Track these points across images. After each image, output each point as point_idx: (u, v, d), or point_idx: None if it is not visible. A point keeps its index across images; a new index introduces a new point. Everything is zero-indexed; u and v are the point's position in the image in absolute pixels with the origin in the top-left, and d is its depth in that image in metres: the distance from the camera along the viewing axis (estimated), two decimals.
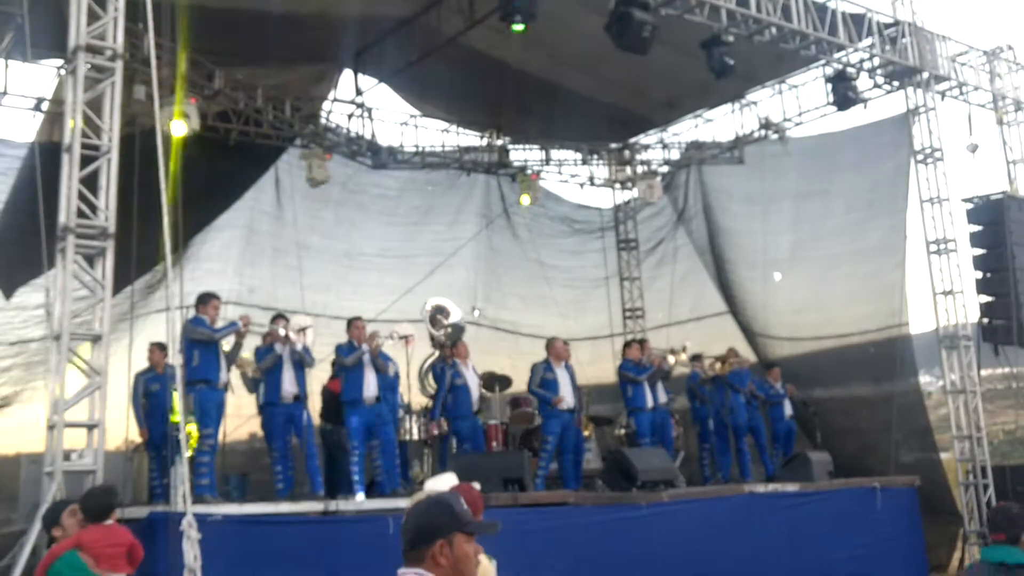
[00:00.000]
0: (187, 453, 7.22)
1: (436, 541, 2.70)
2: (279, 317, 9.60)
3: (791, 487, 11.10)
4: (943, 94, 13.33)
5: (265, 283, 13.37)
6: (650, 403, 11.66)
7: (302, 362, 9.24)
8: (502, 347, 15.02)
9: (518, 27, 9.91)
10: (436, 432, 10.81)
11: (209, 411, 8.44)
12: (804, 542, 10.58)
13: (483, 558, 4.72)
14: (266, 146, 13.27)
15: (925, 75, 12.90)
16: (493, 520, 2.87)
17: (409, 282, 14.57)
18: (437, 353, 11.58)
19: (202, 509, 7.16)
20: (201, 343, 8.53)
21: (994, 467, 12.15)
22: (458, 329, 11.92)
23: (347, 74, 13.82)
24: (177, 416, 8.79)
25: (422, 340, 11.56)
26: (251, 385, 10.27)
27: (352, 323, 9.84)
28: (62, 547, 5.72)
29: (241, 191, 13.37)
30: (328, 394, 10.62)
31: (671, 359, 12.11)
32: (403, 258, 14.98)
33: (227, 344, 8.79)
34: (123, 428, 9.11)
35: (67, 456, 7.11)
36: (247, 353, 9.55)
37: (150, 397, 9.58)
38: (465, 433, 10.68)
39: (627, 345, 12.40)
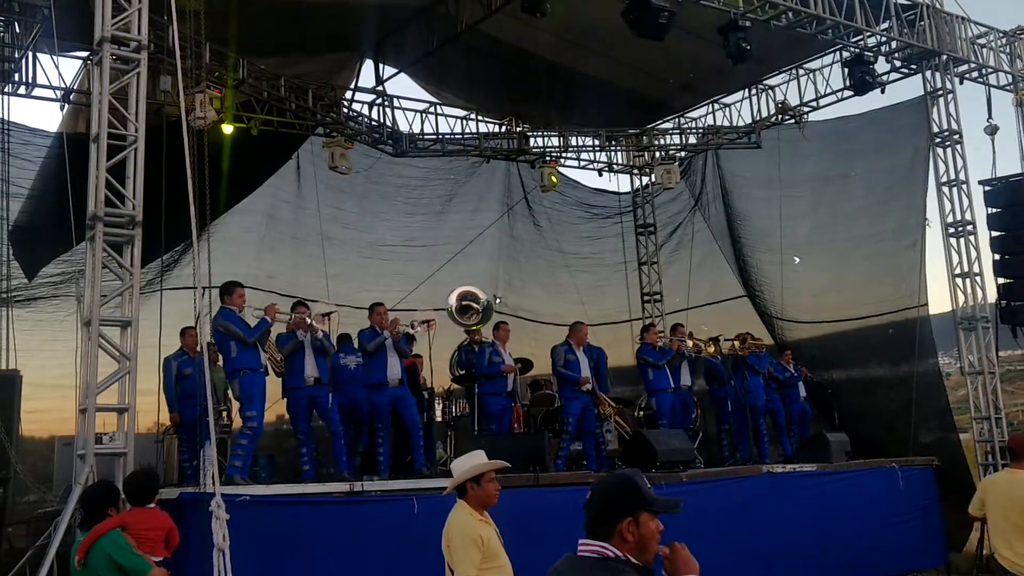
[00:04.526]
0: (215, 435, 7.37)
1: (624, 518, 2.78)
2: (300, 304, 9.72)
3: (809, 467, 11.19)
4: (962, 76, 13.31)
5: (285, 270, 13.51)
6: (671, 385, 11.75)
7: (323, 348, 9.36)
8: (523, 334, 15.11)
9: None
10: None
11: (254, 396, 8.54)
12: (822, 522, 10.67)
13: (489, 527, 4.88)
14: (288, 135, 13.41)
15: (943, 58, 12.90)
16: (676, 498, 2.97)
17: (429, 268, 14.71)
18: (466, 338, 11.71)
19: (231, 490, 7.32)
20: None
21: None
22: (490, 307, 12.01)
23: (368, 64, 13.96)
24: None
25: (444, 327, 11.67)
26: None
27: (374, 309, 9.97)
28: (105, 526, 5.86)
29: (262, 178, 13.51)
30: None
31: (689, 343, 12.18)
32: (426, 247, 15.10)
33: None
34: (152, 410, 9.28)
35: (99, 439, 7.29)
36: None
37: (183, 381, 9.73)
38: (497, 413, 10.84)
39: (645, 329, 12.48)
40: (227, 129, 12.11)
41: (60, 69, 11.18)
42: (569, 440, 10.79)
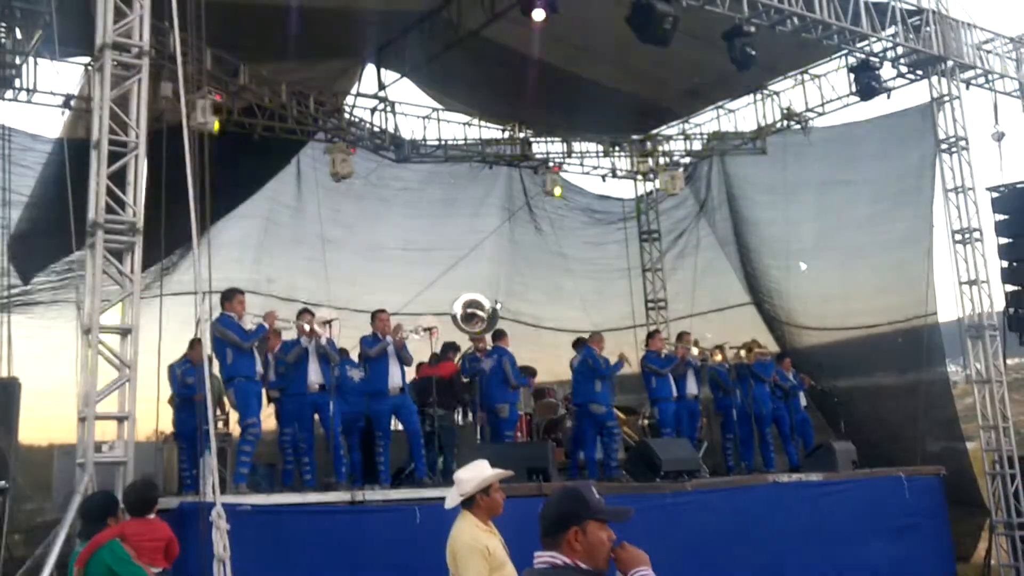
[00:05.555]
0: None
1: (571, 528, 2.87)
2: (304, 312, 9.68)
3: (815, 477, 11.10)
4: (968, 82, 13.23)
5: (284, 274, 13.46)
6: (674, 393, 11.67)
7: (327, 356, 9.32)
8: (524, 340, 14.99)
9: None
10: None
11: (250, 402, 8.59)
12: (828, 531, 10.59)
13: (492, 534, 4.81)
14: (288, 140, 13.36)
15: (949, 63, 12.82)
16: (626, 507, 3.03)
17: (432, 275, 14.64)
18: (470, 346, 11.62)
19: (231, 499, 7.25)
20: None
21: (1021, 457, 12.07)
22: (495, 315, 11.91)
23: (370, 69, 13.90)
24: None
25: (446, 332, 11.58)
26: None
27: (376, 315, 9.92)
28: (105, 536, 5.80)
29: (262, 183, 13.47)
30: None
31: (695, 351, 12.10)
32: (426, 251, 15.02)
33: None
34: (152, 418, 9.19)
35: (98, 448, 7.22)
36: None
37: (185, 389, 9.66)
38: (514, 422, 10.79)
39: (650, 336, 12.41)
40: (228, 134, 12.04)
41: (61, 75, 11.17)
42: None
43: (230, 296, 8.84)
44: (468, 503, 4.80)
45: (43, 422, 10.11)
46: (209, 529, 6.63)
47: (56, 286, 11.49)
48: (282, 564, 7.26)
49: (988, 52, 13.46)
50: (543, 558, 2.91)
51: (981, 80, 13.38)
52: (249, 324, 8.82)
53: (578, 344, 11.82)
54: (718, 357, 12.39)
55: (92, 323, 7.31)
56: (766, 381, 12.45)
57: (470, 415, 10.96)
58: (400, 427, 9.91)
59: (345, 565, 7.58)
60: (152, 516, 6.35)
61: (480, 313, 11.73)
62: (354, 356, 10.19)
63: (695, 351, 12.07)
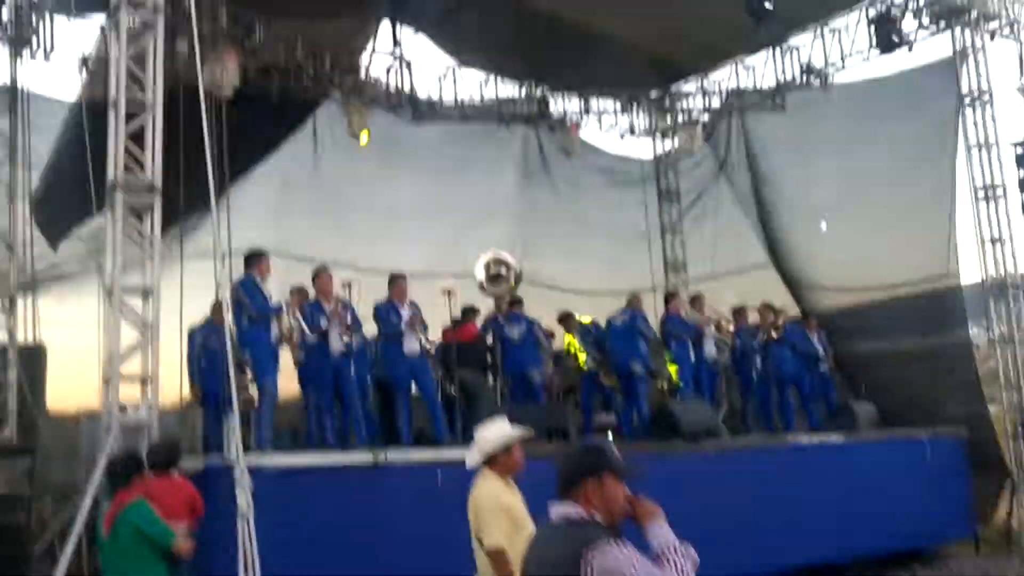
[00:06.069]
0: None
1: (588, 480, 2.94)
2: (323, 271, 9.61)
3: (835, 438, 11.07)
4: (992, 34, 12.90)
5: (302, 235, 13.36)
6: (692, 356, 11.64)
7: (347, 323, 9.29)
8: (542, 302, 14.87)
9: None
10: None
11: (267, 365, 8.61)
12: (849, 493, 10.57)
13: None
14: (304, 100, 13.24)
15: (973, 14, 12.50)
16: (640, 464, 3.07)
17: (449, 235, 14.53)
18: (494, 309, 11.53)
19: (255, 459, 7.28)
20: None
21: None
22: (520, 272, 11.67)
23: (385, 26, 13.71)
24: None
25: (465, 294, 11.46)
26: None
27: (395, 282, 9.76)
28: (129, 496, 5.85)
29: (278, 143, 13.36)
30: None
31: (712, 326, 12.06)
32: (442, 211, 14.88)
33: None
34: (176, 383, 9.19)
35: (122, 409, 7.25)
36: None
37: (208, 352, 9.65)
38: (540, 383, 10.80)
39: (672, 296, 12.33)
40: (244, 95, 11.92)
41: (78, 34, 11.06)
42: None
43: (255, 258, 8.79)
44: (489, 462, 4.81)
45: (71, 389, 10.15)
46: (233, 488, 6.67)
47: (82, 254, 11.45)
48: (304, 524, 7.30)
49: (1014, 1, 13.11)
50: (560, 510, 2.95)
51: (1007, 31, 13.04)
52: (271, 289, 8.78)
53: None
54: (728, 326, 12.31)
55: (113, 284, 7.31)
56: (787, 343, 12.37)
57: (490, 378, 10.93)
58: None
59: (366, 525, 7.62)
60: (175, 475, 6.41)
61: (505, 272, 11.35)
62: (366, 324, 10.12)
63: (712, 327, 12.02)
